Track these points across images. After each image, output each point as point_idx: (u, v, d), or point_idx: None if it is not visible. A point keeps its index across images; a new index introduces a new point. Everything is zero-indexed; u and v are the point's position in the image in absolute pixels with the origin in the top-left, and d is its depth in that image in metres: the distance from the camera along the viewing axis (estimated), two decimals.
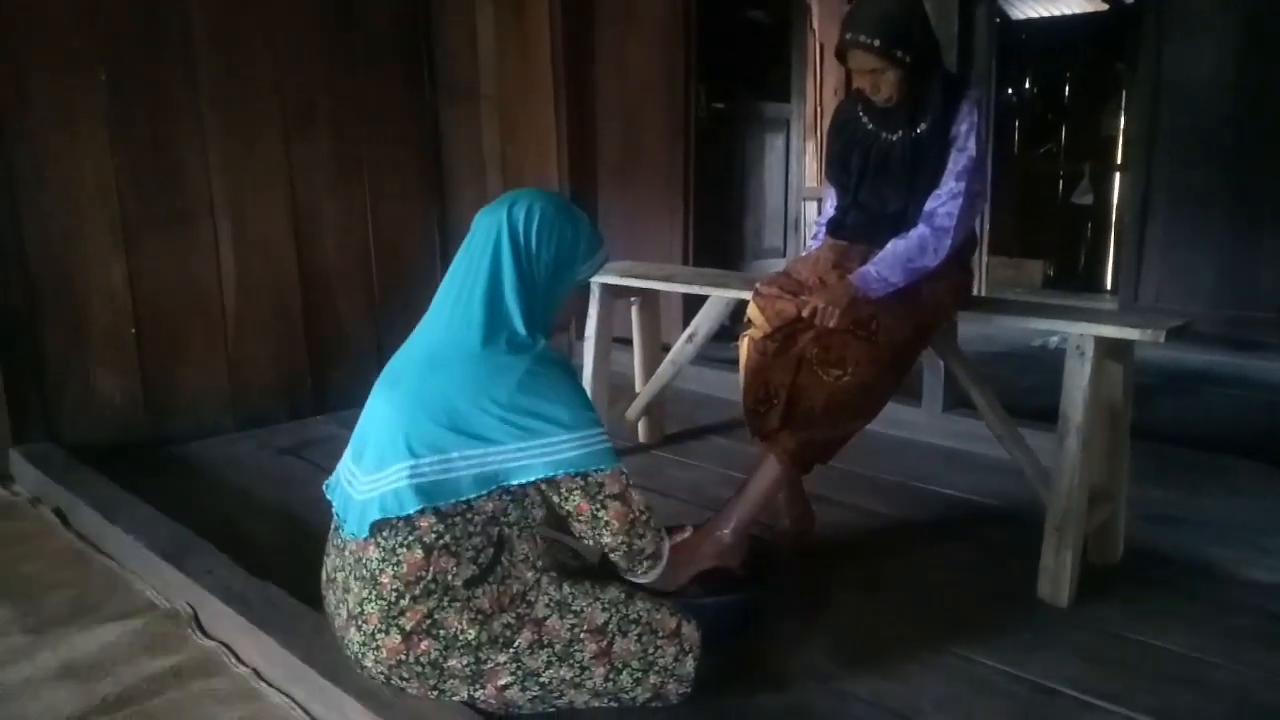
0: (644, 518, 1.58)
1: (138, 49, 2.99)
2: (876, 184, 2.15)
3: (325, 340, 3.57)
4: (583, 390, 1.59)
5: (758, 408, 2.13)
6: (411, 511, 1.47)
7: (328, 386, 3.60)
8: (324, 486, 1.70)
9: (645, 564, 1.61)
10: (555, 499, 1.55)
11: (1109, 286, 6.57)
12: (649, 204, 4.21)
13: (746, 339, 2.19)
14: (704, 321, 2.82)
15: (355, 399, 3.60)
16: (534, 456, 1.48)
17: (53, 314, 2.92)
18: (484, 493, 1.49)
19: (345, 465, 1.64)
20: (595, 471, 1.51)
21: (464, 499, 1.49)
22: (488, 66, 3.88)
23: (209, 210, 3.20)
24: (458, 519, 1.50)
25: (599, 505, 1.53)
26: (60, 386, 2.97)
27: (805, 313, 2.00)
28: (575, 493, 1.52)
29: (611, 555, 1.59)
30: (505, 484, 1.49)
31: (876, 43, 1.95)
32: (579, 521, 1.55)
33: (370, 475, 1.53)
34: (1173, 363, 4.26)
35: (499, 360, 1.53)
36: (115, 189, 2.98)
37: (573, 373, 1.60)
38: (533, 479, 1.49)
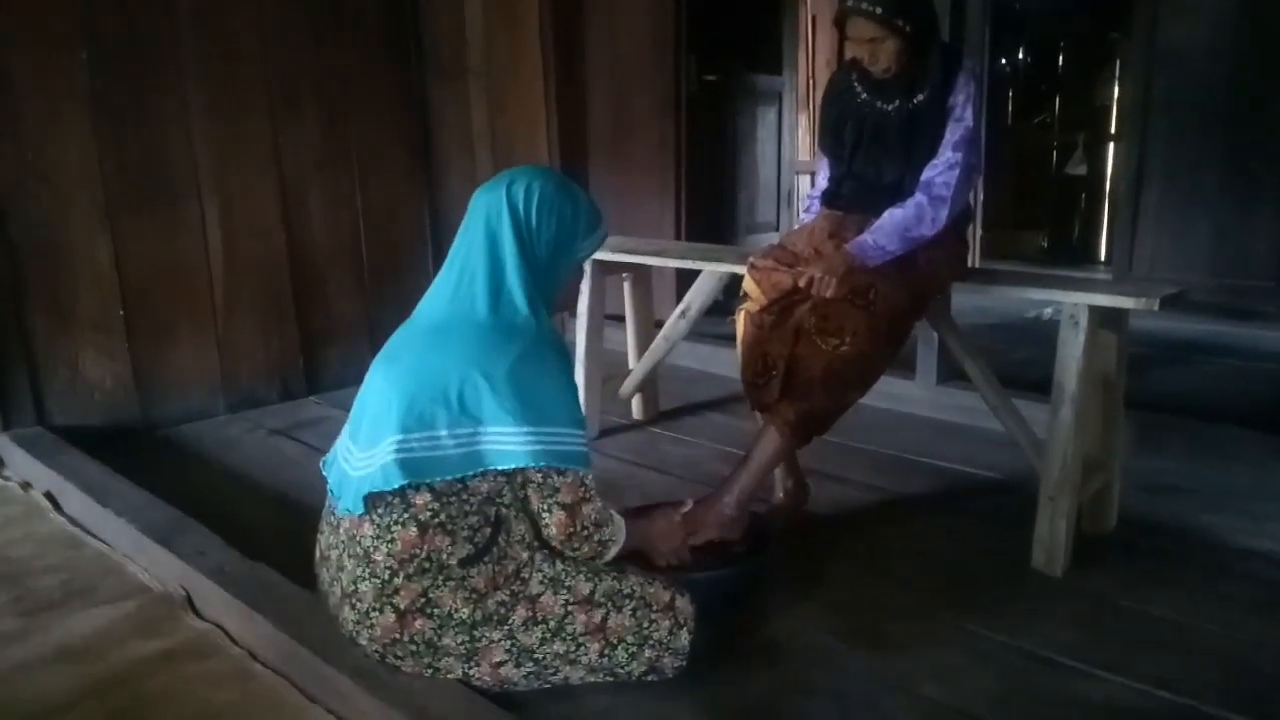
0: (584, 532, 1.57)
1: (120, 28, 2.94)
2: (872, 154, 2.13)
3: (315, 321, 3.55)
4: (574, 383, 1.60)
5: (756, 380, 2.13)
6: (396, 486, 1.47)
7: (319, 367, 3.59)
8: (321, 463, 1.70)
9: (583, 557, 1.62)
10: (516, 483, 1.55)
11: (1103, 257, 6.56)
12: (640, 179, 4.18)
13: (743, 313, 2.18)
14: (697, 297, 2.80)
15: (347, 379, 3.66)
16: (519, 444, 1.49)
17: (39, 297, 2.89)
18: (471, 474, 1.50)
19: (343, 442, 1.64)
20: (557, 475, 1.53)
21: (454, 478, 1.49)
22: (476, 43, 3.84)
23: (196, 191, 3.17)
24: (453, 498, 1.50)
25: (545, 508, 1.55)
26: (49, 370, 2.94)
27: (802, 283, 1.99)
28: (530, 486, 1.55)
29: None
30: (490, 467, 1.50)
31: (879, 10, 1.93)
32: (527, 511, 1.58)
33: (365, 451, 1.53)
34: (1167, 332, 4.26)
35: (498, 339, 1.53)
36: (99, 170, 2.95)
37: (568, 361, 1.61)
38: (513, 466, 1.50)
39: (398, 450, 1.48)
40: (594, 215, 1.69)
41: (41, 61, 2.81)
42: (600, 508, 1.60)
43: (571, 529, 1.56)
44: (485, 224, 1.60)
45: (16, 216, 2.82)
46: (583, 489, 1.56)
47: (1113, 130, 6.59)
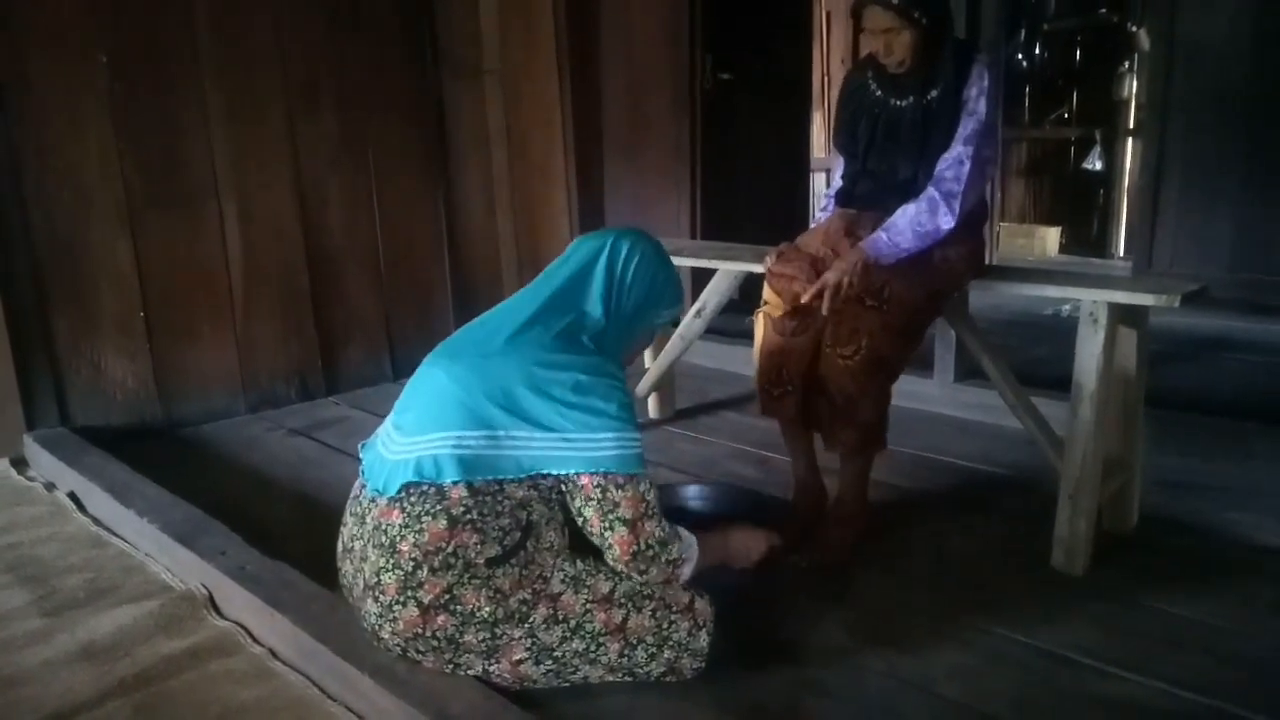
0: (649, 552, 1.53)
1: (138, 30, 2.96)
2: (886, 151, 2.12)
3: (333, 320, 3.57)
4: (633, 402, 1.63)
5: (771, 390, 2.14)
6: (448, 481, 1.49)
7: (337, 367, 3.60)
8: (359, 446, 1.72)
9: (651, 579, 1.58)
10: (574, 505, 1.55)
11: (1122, 253, 6.51)
12: (656, 178, 4.18)
13: (763, 315, 2.18)
14: (712, 295, 2.80)
15: (366, 379, 3.68)
16: (578, 450, 1.50)
17: (61, 299, 2.92)
18: (522, 476, 1.51)
19: (385, 427, 1.66)
20: (615, 489, 1.51)
21: (501, 478, 1.51)
22: (491, 41, 3.84)
23: (214, 191, 3.19)
24: (489, 497, 1.51)
25: (607, 526, 1.52)
26: (72, 371, 2.97)
27: (806, 298, 2.01)
28: (590, 504, 1.53)
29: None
30: (544, 471, 1.51)
31: (895, 0, 1.93)
32: (591, 535, 1.56)
33: (408, 438, 1.55)
34: (1188, 328, 4.22)
35: (565, 355, 1.57)
36: (119, 171, 2.97)
37: (627, 387, 1.62)
38: (570, 471, 1.51)
39: (456, 446, 1.50)
40: (679, 291, 1.80)
41: (62, 65, 2.84)
42: (664, 524, 1.57)
43: (636, 547, 1.53)
44: (582, 264, 1.68)
45: (39, 219, 2.85)
46: (644, 504, 1.53)
47: (1131, 125, 6.53)
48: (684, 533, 1.64)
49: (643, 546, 1.53)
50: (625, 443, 1.53)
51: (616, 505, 1.52)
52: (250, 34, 3.21)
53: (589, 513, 1.53)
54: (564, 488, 1.56)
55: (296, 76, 3.34)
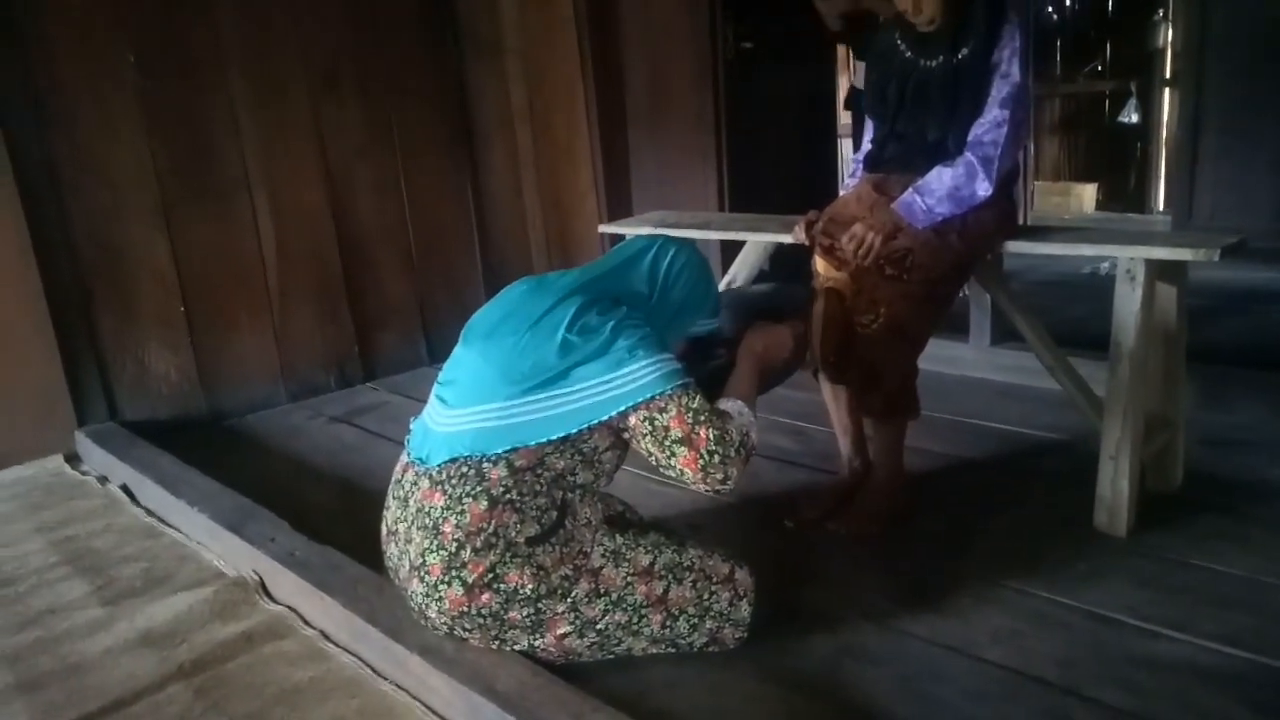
0: (715, 459, 1.52)
1: (162, 27, 3.00)
2: (915, 112, 2.09)
3: (368, 307, 3.62)
4: (662, 342, 1.62)
5: (829, 358, 2.11)
6: (500, 451, 1.52)
7: (374, 353, 3.65)
8: (410, 419, 1.76)
9: (731, 479, 1.56)
10: (641, 449, 1.56)
11: (1161, 207, 6.37)
12: (681, 151, 4.14)
13: (821, 288, 2.15)
14: (742, 267, 2.79)
15: (402, 364, 3.72)
16: (619, 387, 1.52)
17: (104, 296, 2.99)
18: (572, 431, 1.53)
19: (431, 400, 1.69)
20: (659, 413, 1.51)
21: (544, 449, 1.53)
22: (510, 19, 3.83)
23: (245, 184, 3.23)
24: (527, 474, 1.53)
25: (669, 453, 1.53)
26: (118, 367, 3.05)
27: (846, 252, 1.98)
28: (647, 439, 1.54)
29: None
30: (591, 422, 1.52)
31: None
32: (664, 470, 1.56)
33: (452, 410, 1.59)
34: (1229, 282, 4.13)
35: (600, 319, 1.58)
36: (153, 168, 3.02)
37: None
38: (616, 411, 1.52)
39: (500, 416, 1.53)
40: (718, 306, 1.83)
41: (92, 68, 2.88)
42: (714, 418, 1.54)
43: (701, 460, 1.51)
44: (631, 254, 1.75)
45: (78, 218, 2.91)
46: (689, 414, 1.52)
47: (1167, 75, 6.37)
48: (727, 405, 1.64)
49: (706, 457, 1.52)
50: (660, 363, 1.54)
51: (668, 429, 1.52)
52: (271, 24, 3.23)
53: (651, 447, 1.54)
54: (624, 437, 1.58)
55: (319, 65, 3.36)
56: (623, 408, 1.52)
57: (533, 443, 1.53)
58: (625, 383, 1.52)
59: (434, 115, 3.73)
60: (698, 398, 1.55)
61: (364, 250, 3.58)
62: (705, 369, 1.75)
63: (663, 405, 1.52)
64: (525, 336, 1.58)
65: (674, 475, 1.56)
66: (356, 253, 3.55)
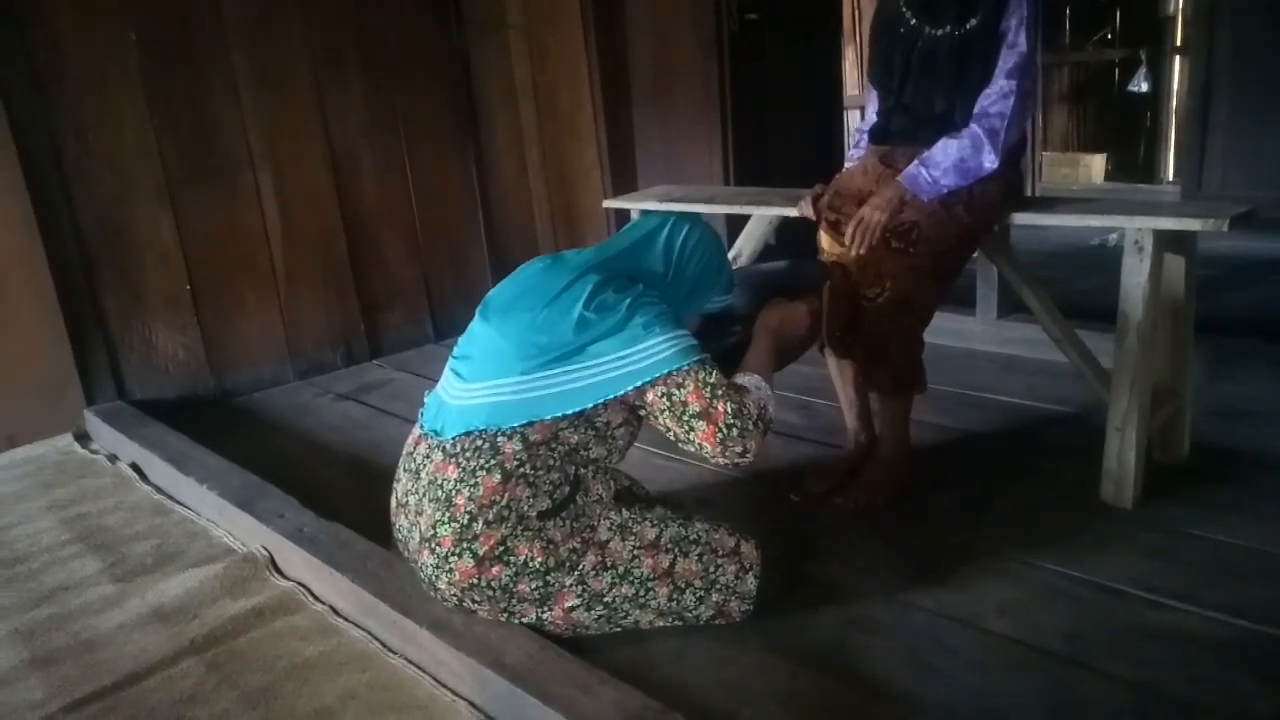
0: (734, 432, 1.53)
1: (164, 7, 2.98)
2: (922, 83, 2.06)
3: (373, 285, 3.62)
4: (677, 319, 1.63)
5: (836, 334, 2.12)
6: (515, 425, 1.53)
7: (380, 331, 3.66)
8: (425, 394, 1.77)
9: (750, 451, 1.57)
10: (658, 424, 1.57)
11: (1171, 177, 6.32)
12: (686, 125, 4.12)
13: (829, 262, 2.15)
14: (747, 242, 2.78)
15: (408, 341, 3.72)
16: (635, 362, 1.53)
17: (110, 277, 2.99)
18: (587, 407, 1.54)
19: (446, 374, 1.70)
20: (676, 389, 1.52)
21: (559, 423, 1.54)
22: None
23: (249, 163, 3.23)
24: (541, 449, 1.54)
25: (687, 428, 1.54)
26: (125, 347, 3.06)
27: (850, 237, 1.98)
28: (664, 414, 1.54)
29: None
30: (606, 398, 1.53)
31: None
32: (683, 445, 1.57)
33: (468, 384, 1.60)
34: (1239, 252, 4.11)
35: (616, 296, 1.59)
36: (157, 149, 3.02)
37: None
38: (633, 387, 1.53)
39: (515, 390, 1.54)
40: (731, 283, 1.85)
41: (94, 48, 2.87)
42: (730, 392, 1.55)
43: (720, 434, 1.52)
44: (646, 231, 1.76)
45: (83, 200, 2.91)
46: (706, 388, 1.53)
47: (1178, 43, 6.29)
48: (744, 380, 1.65)
49: (725, 430, 1.53)
50: (677, 339, 1.55)
51: (685, 405, 1.53)
52: (273, 4, 3.21)
53: (669, 422, 1.55)
54: (641, 413, 1.60)
55: (321, 44, 3.34)
56: (639, 383, 1.53)
57: (548, 417, 1.54)
58: (642, 358, 1.53)
59: (438, 93, 3.71)
60: (714, 373, 1.55)
61: (369, 229, 3.57)
62: (721, 346, 1.75)
63: (680, 380, 1.53)
64: (542, 313, 1.58)
65: (693, 450, 1.56)
66: (362, 231, 3.55)
